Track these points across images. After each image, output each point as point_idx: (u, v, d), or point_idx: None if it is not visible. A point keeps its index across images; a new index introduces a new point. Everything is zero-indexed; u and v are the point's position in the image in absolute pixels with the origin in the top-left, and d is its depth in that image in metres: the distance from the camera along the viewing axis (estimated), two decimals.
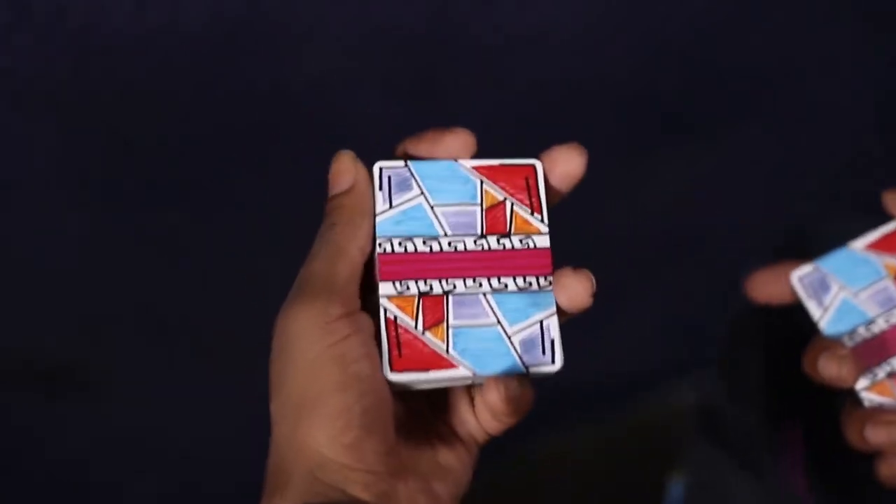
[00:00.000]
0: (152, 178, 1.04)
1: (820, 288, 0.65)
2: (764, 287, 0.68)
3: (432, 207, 0.56)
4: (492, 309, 0.55)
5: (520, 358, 0.54)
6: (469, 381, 0.54)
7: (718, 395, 0.79)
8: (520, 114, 1.13)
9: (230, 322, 1.14)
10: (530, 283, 0.56)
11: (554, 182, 0.58)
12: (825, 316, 0.65)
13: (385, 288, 0.54)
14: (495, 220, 0.56)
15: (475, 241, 0.56)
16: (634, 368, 1.41)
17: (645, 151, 1.22)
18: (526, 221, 0.57)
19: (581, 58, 1.12)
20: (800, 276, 0.66)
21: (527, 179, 0.58)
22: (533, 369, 0.54)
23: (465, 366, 0.53)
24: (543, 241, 0.57)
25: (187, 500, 1.30)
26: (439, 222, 0.56)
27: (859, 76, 1.27)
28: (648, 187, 1.26)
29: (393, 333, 0.53)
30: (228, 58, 0.98)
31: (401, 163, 0.57)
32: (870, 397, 0.63)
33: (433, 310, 0.54)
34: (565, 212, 1.27)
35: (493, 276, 0.55)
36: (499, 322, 0.54)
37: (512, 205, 0.57)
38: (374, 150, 1.14)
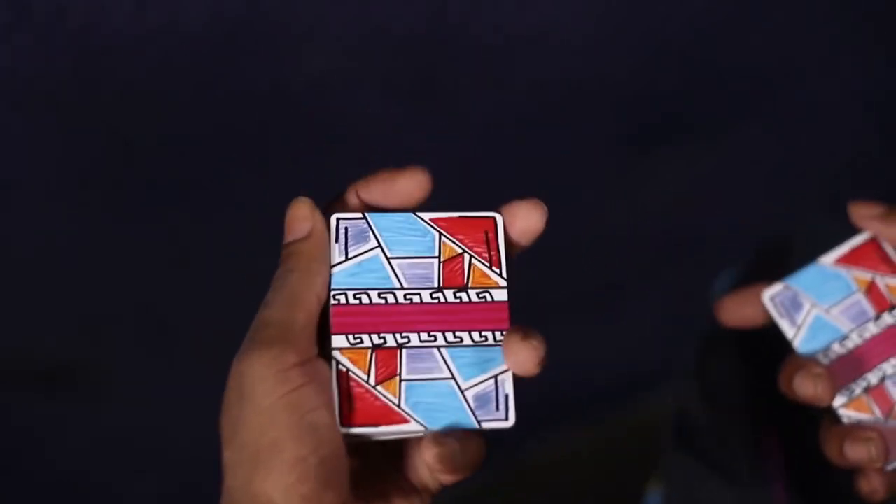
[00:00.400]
0: (152, 178, 1.04)
1: (792, 306, 0.65)
2: (734, 311, 0.68)
3: (389, 260, 0.56)
4: (446, 363, 0.54)
5: (472, 413, 0.54)
6: (421, 435, 0.54)
7: (694, 403, 0.79)
8: (520, 114, 1.13)
9: (230, 322, 1.14)
10: (486, 338, 0.55)
11: (514, 235, 0.57)
12: (799, 334, 0.64)
13: (338, 340, 0.54)
14: (452, 274, 0.56)
15: (431, 295, 0.55)
16: (634, 368, 1.41)
17: (645, 151, 1.22)
18: (484, 275, 0.56)
19: (581, 58, 1.12)
20: (771, 296, 0.66)
21: (486, 233, 0.57)
22: (485, 425, 0.54)
23: (416, 420, 0.53)
24: (501, 295, 0.56)
25: (187, 500, 1.30)
26: (395, 274, 0.55)
27: (859, 76, 1.27)
28: (648, 187, 1.26)
29: (345, 386, 0.53)
30: (228, 58, 0.98)
31: (358, 215, 0.56)
32: (848, 414, 0.62)
33: (386, 363, 0.54)
34: (565, 212, 1.28)
35: (449, 330, 0.55)
36: (452, 377, 0.54)
37: (470, 258, 0.57)
38: (373, 150, 1.15)
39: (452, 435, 0.53)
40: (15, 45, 0.91)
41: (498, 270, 0.57)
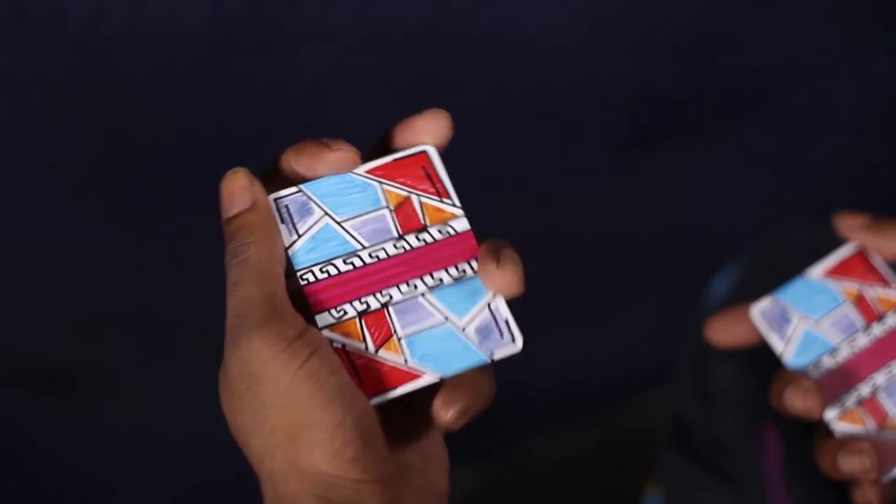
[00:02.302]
0: (152, 178, 1.04)
1: (781, 320, 0.65)
2: (724, 331, 0.68)
3: (340, 224, 0.55)
4: (435, 308, 0.54)
5: (479, 347, 0.53)
6: (435, 382, 0.54)
7: (692, 405, 0.79)
8: (520, 114, 1.13)
9: None
10: (464, 271, 0.54)
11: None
12: (788, 348, 0.64)
13: (323, 319, 0.53)
14: (407, 218, 0.55)
15: (395, 245, 0.55)
16: (633, 369, 1.41)
17: (645, 151, 1.22)
18: (438, 210, 0.55)
19: (581, 58, 1.12)
20: (759, 311, 0.66)
21: (423, 168, 0.56)
22: (497, 355, 0.53)
23: (429, 372, 0.53)
24: (462, 225, 0.55)
25: (187, 499, 1.30)
26: (352, 237, 0.54)
27: (859, 76, 1.27)
28: (648, 187, 1.26)
29: (347, 362, 0.52)
30: (228, 58, 0.98)
31: (294, 189, 0.55)
32: (840, 427, 0.62)
33: (378, 326, 0.53)
34: (565, 212, 1.28)
35: (425, 274, 0.54)
36: (447, 319, 0.53)
37: (419, 197, 0.55)
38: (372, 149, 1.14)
39: (460, 388, 0.53)
40: (15, 45, 0.91)
41: (450, 201, 0.56)
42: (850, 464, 0.61)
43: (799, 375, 0.62)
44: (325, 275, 0.54)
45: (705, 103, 1.21)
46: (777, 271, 0.77)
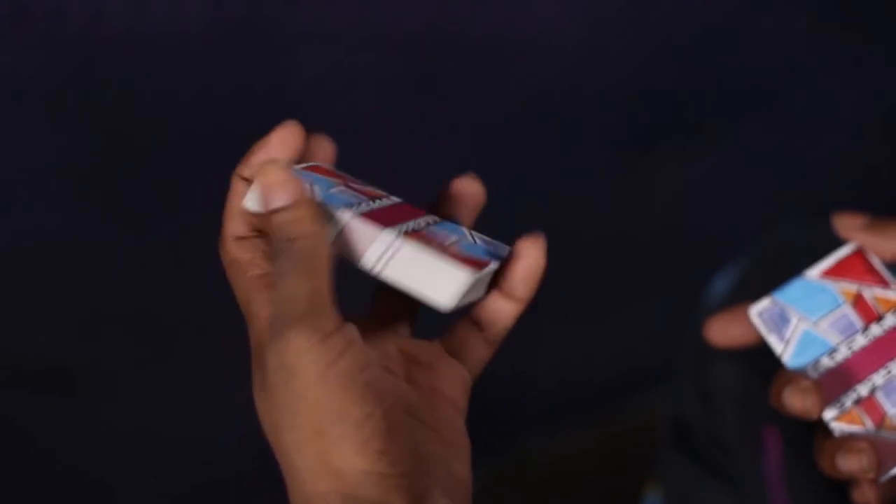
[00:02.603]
0: (152, 178, 1.04)
1: (779, 321, 0.65)
2: (724, 331, 0.68)
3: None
4: None
5: None
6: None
7: (692, 405, 0.79)
8: (520, 114, 1.13)
9: (230, 322, 1.14)
10: None
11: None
12: (787, 349, 0.64)
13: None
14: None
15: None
16: (633, 369, 1.41)
17: (645, 151, 1.22)
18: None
19: (581, 58, 1.12)
20: (758, 312, 0.66)
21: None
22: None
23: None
24: None
25: (187, 500, 1.30)
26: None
27: (859, 76, 1.27)
28: (648, 187, 1.26)
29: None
30: (228, 58, 0.98)
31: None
32: (839, 427, 0.62)
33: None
34: (565, 212, 1.28)
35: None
36: None
37: (869, 289, 0.64)
38: (373, 150, 1.15)
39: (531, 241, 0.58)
40: (15, 45, 0.91)
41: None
42: (848, 463, 0.61)
43: (798, 376, 0.62)
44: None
45: (705, 103, 1.21)
46: (777, 271, 0.77)
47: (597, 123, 1.18)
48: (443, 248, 0.55)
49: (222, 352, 1.18)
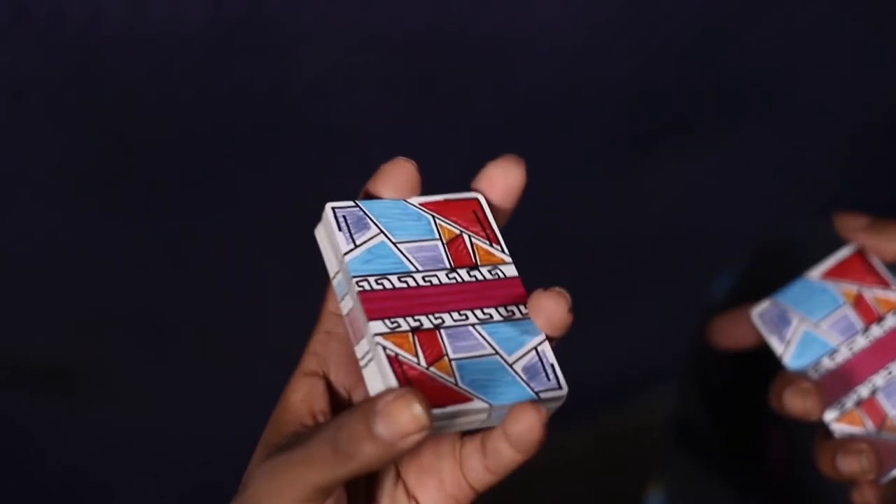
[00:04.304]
0: (152, 178, 1.04)
1: (780, 322, 0.65)
2: (726, 333, 0.68)
3: (395, 244, 0.55)
4: (485, 339, 0.53)
5: (528, 385, 0.52)
6: (483, 416, 0.52)
7: (694, 404, 0.79)
8: (520, 114, 1.13)
9: (230, 322, 1.14)
10: (512, 312, 0.54)
11: (497, 200, 0.57)
12: (788, 350, 0.64)
13: (376, 326, 0.52)
14: (459, 254, 0.55)
15: (447, 275, 0.55)
16: (634, 368, 1.41)
17: (645, 151, 1.22)
18: (488, 252, 0.56)
19: (581, 58, 1.12)
20: (759, 313, 0.66)
21: (475, 212, 0.57)
22: (543, 395, 0.52)
23: (478, 398, 0.51)
24: (511, 271, 0.56)
25: (187, 500, 1.30)
26: (407, 258, 0.54)
27: (859, 76, 1.27)
28: (648, 187, 1.26)
29: (400, 371, 0.51)
30: (228, 58, 0.98)
31: (350, 203, 0.55)
32: (840, 428, 0.62)
33: (430, 344, 0.52)
34: (565, 212, 1.27)
35: (476, 307, 0.54)
36: (497, 352, 0.53)
37: (469, 237, 0.56)
38: (373, 150, 1.14)
39: (532, 406, 0.51)
40: (15, 45, 0.91)
41: (499, 247, 0.56)
42: (848, 464, 0.61)
43: (798, 377, 0.62)
44: (381, 287, 0.53)
45: (705, 103, 1.21)
46: (777, 272, 0.77)
47: (597, 123, 1.18)
48: (410, 368, 0.51)
49: (222, 352, 1.18)
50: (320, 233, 0.55)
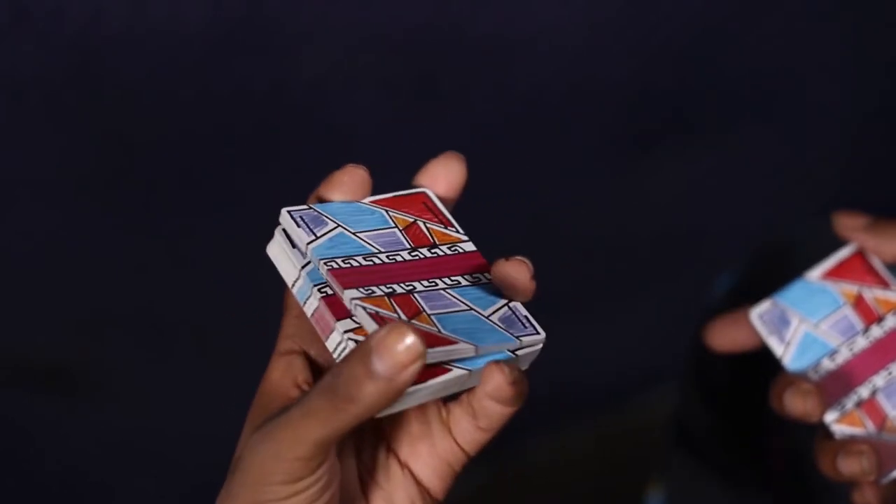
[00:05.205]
0: (152, 178, 1.04)
1: (780, 323, 0.65)
2: (725, 335, 0.68)
3: (355, 234, 0.56)
4: (458, 299, 0.55)
5: (507, 331, 0.54)
6: (471, 355, 0.53)
7: (694, 404, 0.79)
8: (520, 114, 1.13)
9: (230, 322, 1.14)
10: (478, 279, 0.56)
11: (441, 193, 0.58)
12: (788, 351, 0.64)
13: (351, 293, 0.53)
14: (417, 237, 0.57)
15: (410, 254, 0.56)
16: (634, 368, 1.41)
17: (645, 151, 1.22)
18: (444, 233, 0.57)
19: (581, 58, 1.12)
20: (759, 314, 0.66)
21: (424, 203, 0.58)
22: (524, 339, 0.54)
23: (463, 341, 0.52)
24: (470, 247, 0.57)
25: (187, 500, 1.30)
26: (368, 244, 0.56)
27: (859, 77, 1.27)
28: (648, 187, 1.26)
29: (382, 324, 0.51)
30: (228, 58, 0.98)
31: (305, 206, 0.56)
32: (840, 429, 0.62)
33: (407, 304, 0.53)
34: (566, 212, 1.27)
35: (443, 276, 0.55)
36: (471, 308, 0.54)
37: (424, 223, 0.57)
38: (373, 150, 1.15)
39: (506, 363, 0.52)
40: (15, 45, 0.91)
41: (454, 229, 0.58)
42: (849, 465, 0.61)
43: (798, 378, 0.62)
44: (348, 265, 0.54)
45: (705, 103, 1.21)
46: (777, 272, 0.77)
47: (597, 123, 1.18)
48: (392, 321, 0.51)
49: (222, 352, 1.18)
50: (273, 249, 0.56)
